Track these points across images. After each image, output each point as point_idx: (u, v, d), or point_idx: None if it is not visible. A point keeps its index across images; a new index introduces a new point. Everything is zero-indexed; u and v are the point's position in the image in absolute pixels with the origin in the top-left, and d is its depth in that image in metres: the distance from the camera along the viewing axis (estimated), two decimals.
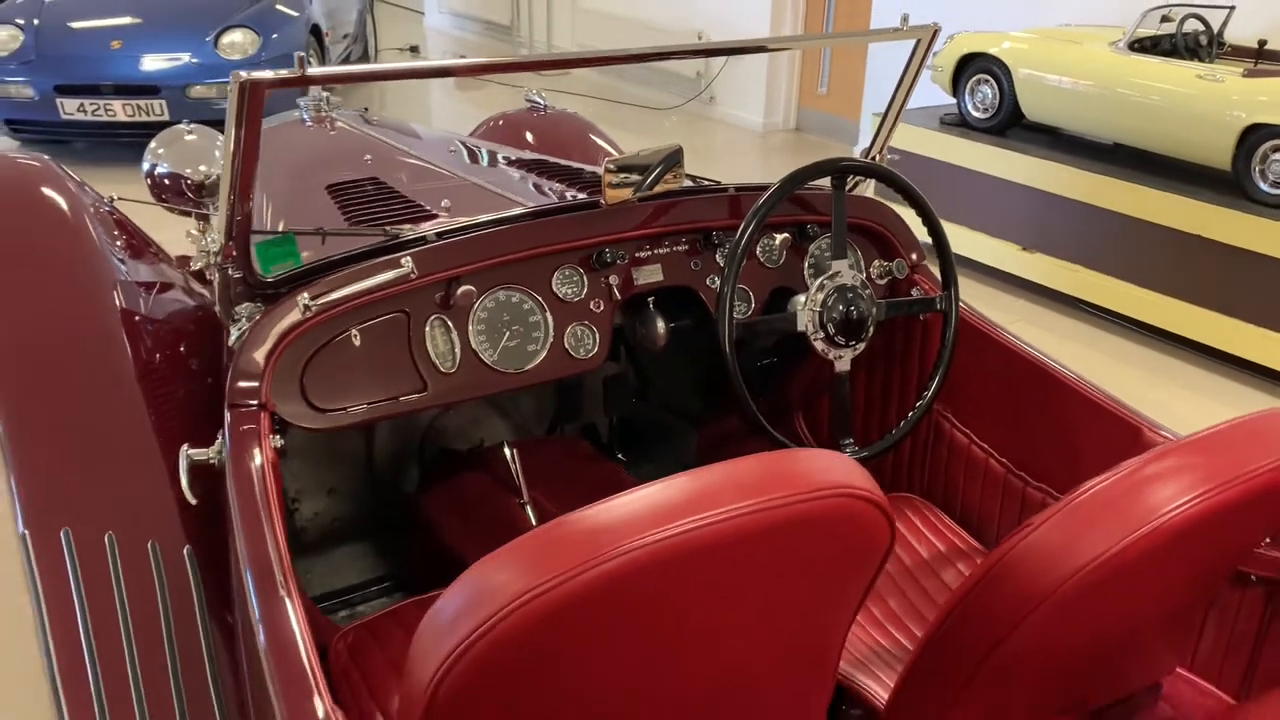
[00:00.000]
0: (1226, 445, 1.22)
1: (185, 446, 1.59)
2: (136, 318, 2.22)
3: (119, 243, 2.46)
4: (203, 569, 1.88)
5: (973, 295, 4.66)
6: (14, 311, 2.17)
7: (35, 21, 5.97)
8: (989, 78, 4.75)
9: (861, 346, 1.92)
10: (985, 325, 2.02)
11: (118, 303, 2.21)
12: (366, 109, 3.28)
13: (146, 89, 5.87)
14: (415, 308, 1.70)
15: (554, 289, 1.82)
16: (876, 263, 2.10)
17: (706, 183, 2.12)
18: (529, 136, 3.32)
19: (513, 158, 2.59)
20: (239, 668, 1.79)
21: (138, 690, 1.75)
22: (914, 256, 2.12)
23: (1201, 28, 4.37)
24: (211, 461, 1.58)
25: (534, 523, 2.04)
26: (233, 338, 1.65)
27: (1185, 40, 4.32)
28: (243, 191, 1.53)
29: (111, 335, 2.16)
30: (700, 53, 2.04)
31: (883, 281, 2.10)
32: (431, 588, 1.42)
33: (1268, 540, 1.60)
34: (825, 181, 1.98)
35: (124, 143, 5.80)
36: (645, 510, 1.02)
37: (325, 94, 2.94)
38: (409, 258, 1.66)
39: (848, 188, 1.97)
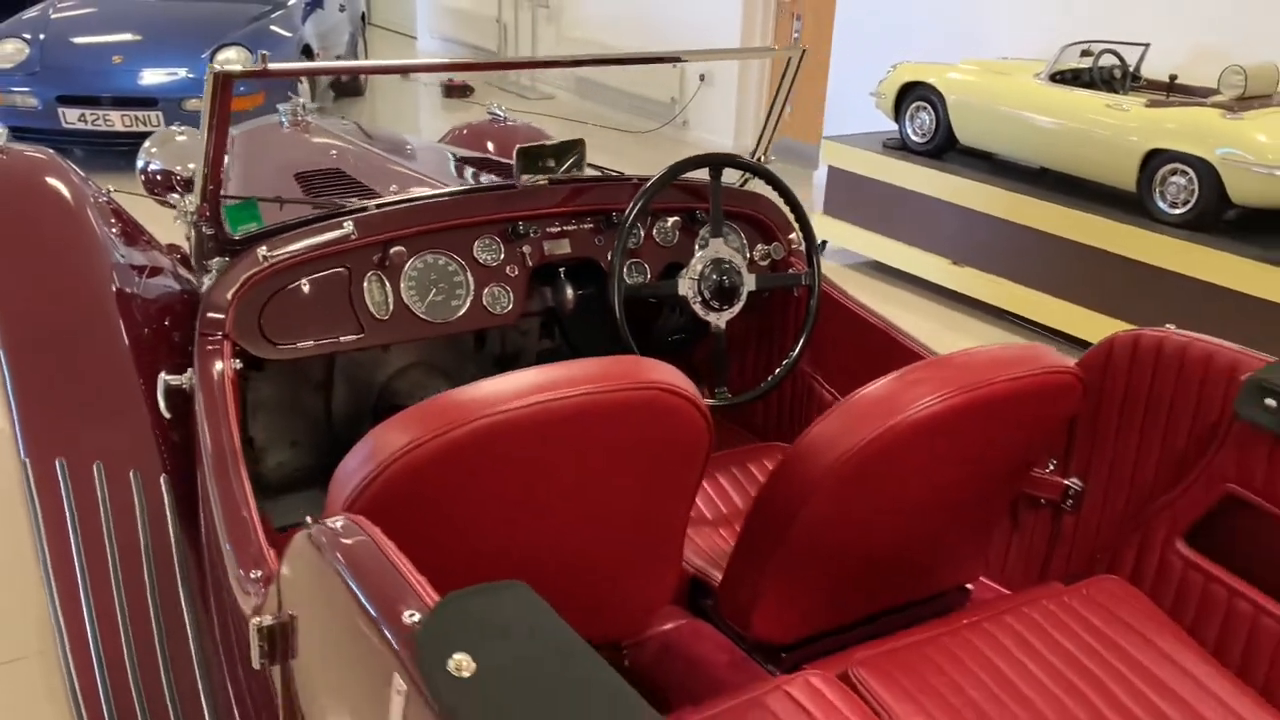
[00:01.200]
0: (972, 363, 1.55)
1: (162, 374, 1.93)
2: (128, 294, 2.55)
3: (115, 229, 2.79)
4: (175, 494, 2.21)
5: (906, 306, 5.03)
6: (20, 281, 2.50)
7: (41, 36, 6.34)
8: (926, 105, 5.13)
9: (734, 310, 2.27)
10: (846, 300, 2.37)
11: (113, 280, 2.54)
12: (344, 117, 3.64)
13: (144, 101, 6.23)
14: (355, 264, 2.05)
15: (475, 255, 2.17)
16: (759, 246, 2.45)
17: (611, 173, 2.48)
18: (490, 145, 3.67)
19: (460, 155, 2.95)
20: (204, 573, 2.12)
21: (119, 596, 2.07)
22: (791, 240, 2.48)
23: (1117, 62, 4.76)
24: (184, 386, 1.92)
25: None
26: (204, 285, 1.99)
27: (1101, 73, 4.71)
28: (215, 162, 1.88)
29: (106, 307, 2.49)
30: (605, 61, 2.35)
31: (764, 262, 2.45)
32: None
33: (1052, 466, 1.94)
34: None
35: (121, 151, 6.16)
36: (506, 387, 1.36)
37: (302, 102, 3.30)
38: (350, 222, 2.01)
39: (738, 183, 2.32)
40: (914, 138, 5.22)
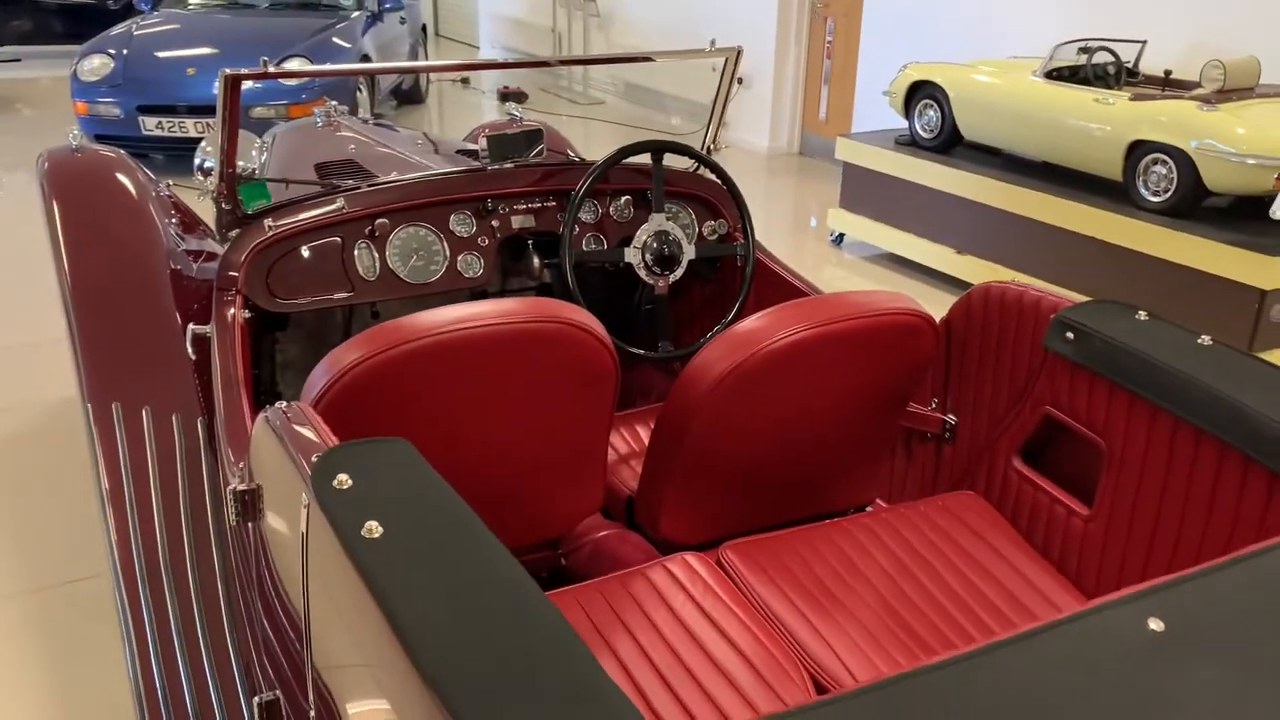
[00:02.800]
0: (835, 303, 1.87)
1: (190, 324, 2.35)
2: (181, 275, 2.99)
3: (174, 219, 3.24)
4: (209, 434, 2.63)
5: (916, 294, 5.30)
6: (90, 261, 2.95)
7: (125, 51, 6.94)
8: (933, 103, 5.40)
9: (675, 275, 2.62)
10: (780, 269, 2.70)
11: (167, 263, 2.98)
12: (380, 116, 4.06)
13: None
14: (347, 234, 2.45)
15: (450, 227, 2.56)
16: (708, 223, 2.80)
17: (571, 159, 2.84)
18: None
19: (464, 148, 3.35)
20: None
21: (159, 514, 2.49)
22: (735, 216, 2.82)
23: (1111, 59, 4.98)
24: (207, 334, 2.33)
25: None
26: (223, 251, 2.41)
27: (1095, 70, 4.93)
28: (230, 150, 2.29)
29: (159, 284, 2.93)
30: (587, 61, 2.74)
31: (713, 237, 2.80)
32: None
33: (934, 405, 2.25)
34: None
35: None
36: (438, 317, 1.73)
37: (334, 103, 3.73)
38: (342, 198, 2.41)
39: (691, 168, 2.67)
40: (922, 134, 5.49)
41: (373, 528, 1.16)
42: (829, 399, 1.97)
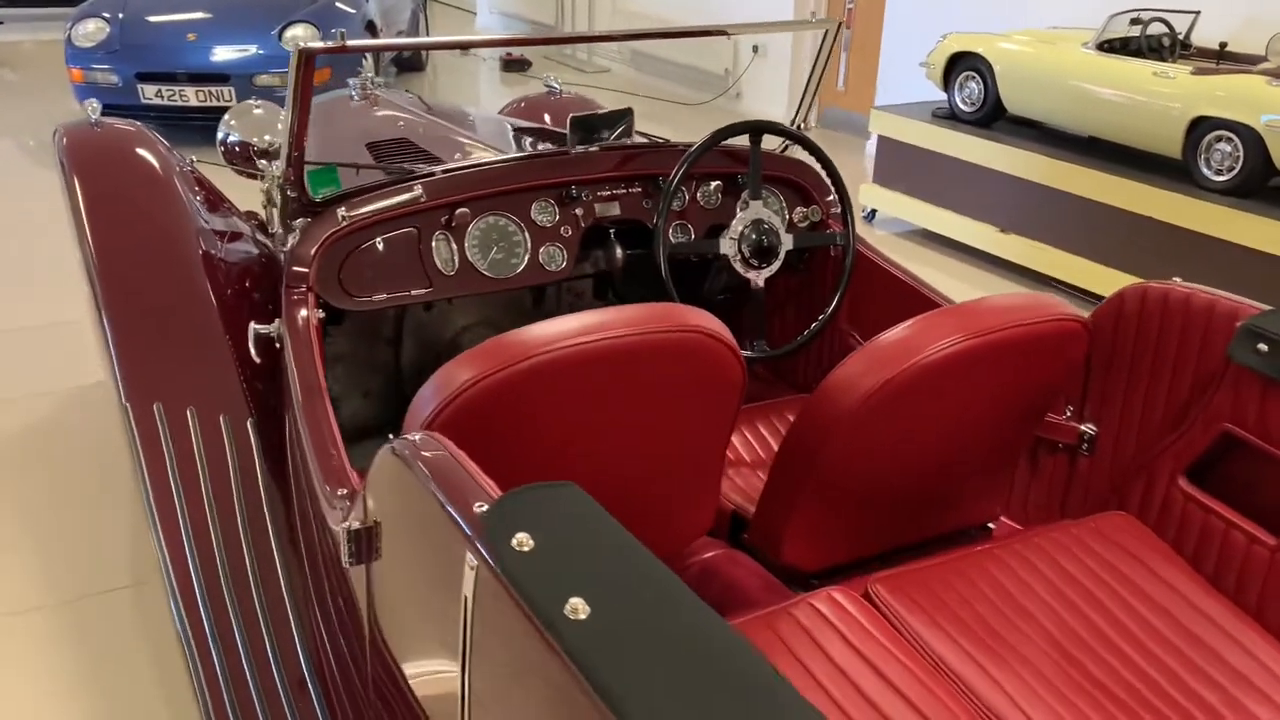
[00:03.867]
0: (986, 310, 1.70)
1: (252, 323, 2.14)
2: (213, 256, 2.77)
3: (199, 197, 3.02)
4: (262, 437, 2.43)
5: (954, 273, 5.13)
6: (117, 244, 2.73)
7: (120, 15, 6.63)
8: (975, 75, 5.20)
9: (773, 268, 2.43)
10: (880, 259, 2.52)
11: (199, 244, 2.76)
12: (408, 90, 3.83)
13: (217, 77, 6.49)
14: (424, 225, 2.24)
15: (532, 216, 2.35)
16: (798, 209, 2.60)
17: (658, 140, 2.64)
18: (546, 116, 3.85)
19: (519, 125, 3.13)
20: (290, 504, 2.34)
21: (214, 528, 2.29)
22: (828, 203, 2.62)
23: (1166, 31, 4.79)
24: (271, 334, 2.13)
25: None
26: (289, 243, 2.19)
27: (1150, 42, 4.74)
28: (300, 132, 2.08)
29: (193, 268, 2.71)
30: (656, 35, 2.52)
31: (803, 224, 2.60)
32: None
33: (1069, 413, 2.07)
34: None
35: (195, 125, 6.43)
36: (556, 330, 1.53)
37: (370, 76, 3.49)
38: (420, 186, 2.20)
39: (779, 149, 2.47)
40: (963, 107, 5.29)
41: (577, 607, 0.98)
42: (974, 412, 1.79)
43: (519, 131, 3.05)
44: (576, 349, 1.52)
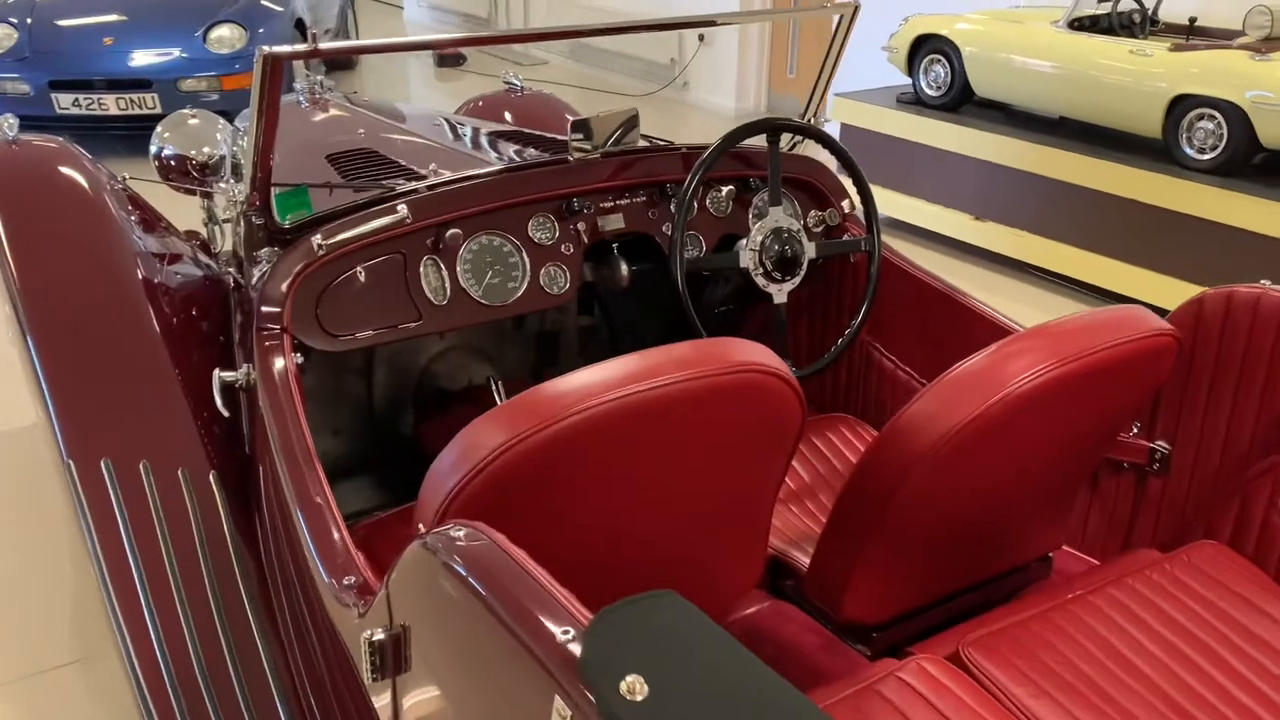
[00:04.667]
0: (1071, 332, 1.50)
1: (217, 370, 1.86)
2: (155, 284, 2.47)
3: (134, 218, 2.71)
4: (226, 490, 2.15)
5: (928, 263, 4.96)
6: (45, 274, 2.42)
7: (28, 20, 6.18)
8: (941, 57, 5.03)
9: (796, 281, 2.21)
10: (906, 265, 2.31)
11: (138, 269, 2.46)
12: (356, 92, 3.54)
13: (138, 83, 6.09)
14: (410, 250, 1.97)
15: (530, 234, 2.10)
16: (813, 213, 2.38)
17: (661, 143, 2.40)
18: (507, 116, 3.58)
19: (491, 129, 2.86)
20: (261, 567, 2.07)
21: (179, 595, 2.01)
22: (845, 206, 2.41)
23: (1136, 7, 4.67)
24: (238, 383, 1.85)
25: None
26: (254, 278, 1.92)
27: (1120, 19, 4.62)
28: (265, 149, 1.80)
29: (136, 298, 2.41)
30: (652, 27, 2.29)
31: (819, 229, 2.38)
32: None
33: (1136, 430, 1.89)
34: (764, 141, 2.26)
35: (117, 135, 6.03)
36: (598, 379, 1.30)
37: (319, 78, 3.20)
38: (404, 205, 1.93)
39: (787, 147, 2.25)
40: (929, 91, 5.12)
41: None
42: (1055, 442, 1.60)
43: (494, 135, 2.79)
44: (618, 403, 1.28)
